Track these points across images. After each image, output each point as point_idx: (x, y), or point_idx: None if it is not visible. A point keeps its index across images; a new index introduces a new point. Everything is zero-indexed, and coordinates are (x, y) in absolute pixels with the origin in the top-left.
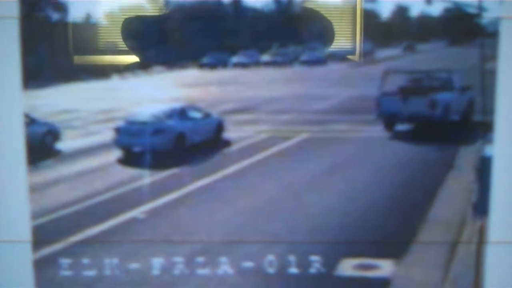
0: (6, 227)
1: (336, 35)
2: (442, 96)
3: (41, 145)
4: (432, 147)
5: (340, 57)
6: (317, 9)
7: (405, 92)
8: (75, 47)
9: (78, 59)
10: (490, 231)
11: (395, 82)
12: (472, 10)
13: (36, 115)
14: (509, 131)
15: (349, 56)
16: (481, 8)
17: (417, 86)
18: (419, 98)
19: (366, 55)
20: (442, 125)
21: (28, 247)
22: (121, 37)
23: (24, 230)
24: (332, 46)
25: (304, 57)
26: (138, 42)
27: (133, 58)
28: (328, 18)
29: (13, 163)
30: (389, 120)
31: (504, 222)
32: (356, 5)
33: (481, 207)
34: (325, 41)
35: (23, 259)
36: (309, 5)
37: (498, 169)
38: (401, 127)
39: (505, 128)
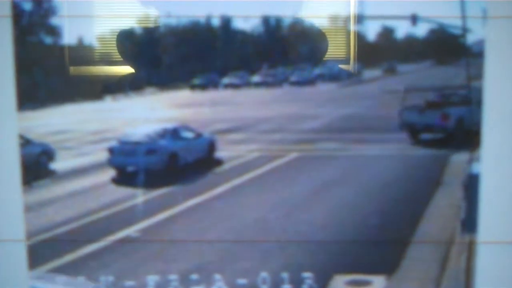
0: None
1: (329, 50)
2: (455, 110)
3: (36, 165)
4: (420, 163)
5: (329, 77)
6: (307, 30)
7: (422, 107)
8: (71, 58)
9: (74, 70)
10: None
11: (414, 99)
12: (457, 31)
13: (31, 136)
14: (496, 149)
15: (343, 66)
16: (465, 29)
17: (433, 101)
18: (434, 111)
19: (354, 76)
20: (454, 136)
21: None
22: (116, 51)
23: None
24: (327, 58)
25: (293, 77)
26: (131, 64)
27: (127, 69)
28: (321, 37)
29: (8, 183)
30: (409, 130)
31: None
32: (347, 24)
33: (469, 224)
34: (314, 62)
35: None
36: (297, 27)
37: (486, 187)
38: (389, 145)
39: (492, 145)
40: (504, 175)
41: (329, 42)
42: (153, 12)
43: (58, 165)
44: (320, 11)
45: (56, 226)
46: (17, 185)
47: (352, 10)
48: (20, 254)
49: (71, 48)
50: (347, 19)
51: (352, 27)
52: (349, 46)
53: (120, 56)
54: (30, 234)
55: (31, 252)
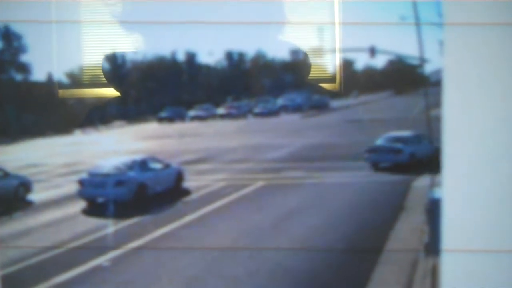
0: None
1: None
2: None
3: (14, 196)
4: (383, 190)
5: (292, 108)
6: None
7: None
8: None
9: (63, 93)
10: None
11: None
12: (415, 62)
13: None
14: (456, 174)
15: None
16: (423, 59)
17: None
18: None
19: (320, 107)
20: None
21: None
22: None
23: None
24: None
25: (257, 109)
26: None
27: (113, 92)
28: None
29: None
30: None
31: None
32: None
33: (433, 247)
34: (276, 93)
35: None
36: (260, 60)
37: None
38: (352, 172)
39: (452, 170)
40: (464, 199)
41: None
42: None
43: (33, 197)
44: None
45: (30, 256)
46: None
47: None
48: None
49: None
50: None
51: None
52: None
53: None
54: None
55: (5, 281)
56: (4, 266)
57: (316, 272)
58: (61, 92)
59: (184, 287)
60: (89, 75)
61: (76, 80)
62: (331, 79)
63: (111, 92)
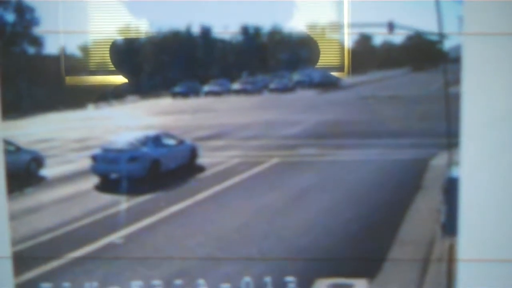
0: None
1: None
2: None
3: (26, 172)
4: (400, 168)
5: (308, 84)
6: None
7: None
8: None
9: (70, 80)
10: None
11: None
12: (433, 38)
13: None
14: (474, 153)
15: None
16: (442, 36)
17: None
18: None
19: (333, 83)
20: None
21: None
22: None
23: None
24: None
25: (273, 85)
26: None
27: (121, 79)
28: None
29: None
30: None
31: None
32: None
33: (449, 227)
34: (292, 68)
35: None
36: (277, 34)
37: (465, 190)
38: (368, 150)
39: (470, 149)
40: (483, 178)
41: (318, 49)
42: (133, 22)
43: (45, 172)
44: (304, 19)
45: (42, 233)
46: (2, 199)
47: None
48: (6, 271)
49: (66, 58)
50: (333, 27)
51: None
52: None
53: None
54: (16, 241)
55: (17, 259)
56: (16, 243)
57: (331, 252)
58: (68, 79)
59: (198, 265)
60: (98, 57)
61: (84, 63)
62: (339, 67)
63: (119, 79)
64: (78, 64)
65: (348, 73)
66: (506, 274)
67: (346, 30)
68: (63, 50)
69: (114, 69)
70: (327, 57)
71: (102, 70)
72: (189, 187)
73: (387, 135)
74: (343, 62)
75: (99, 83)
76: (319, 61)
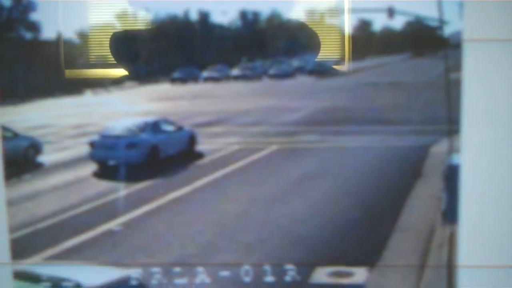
0: None
1: (322, 46)
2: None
3: (24, 158)
4: (400, 155)
5: (308, 70)
6: (285, 23)
7: None
8: (66, 61)
9: (69, 73)
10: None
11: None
12: (434, 23)
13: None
14: (475, 139)
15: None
16: (442, 21)
17: None
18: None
19: (332, 69)
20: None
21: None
22: (108, 51)
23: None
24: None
25: (272, 70)
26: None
27: (121, 72)
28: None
29: None
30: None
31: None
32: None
33: (450, 214)
34: (291, 54)
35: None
36: (275, 20)
37: (466, 178)
38: (368, 136)
39: (471, 135)
40: (483, 165)
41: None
42: (131, 7)
43: (42, 158)
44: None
45: (39, 220)
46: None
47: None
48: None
49: (66, 49)
50: (333, 13)
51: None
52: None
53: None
54: (15, 228)
55: (16, 244)
56: (14, 230)
57: (330, 239)
58: (68, 73)
59: (197, 252)
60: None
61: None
62: (339, 61)
63: (119, 72)
64: (77, 55)
65: (348, 62)
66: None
67: (346, 17)
68: (62, 42)
69: (113, 59)
70: (327, 47)
71: (101, 62)
72: (188, 174)
73: (387, 122)
74: (343, 52)
75: (99, 76)
76: (319, 51)
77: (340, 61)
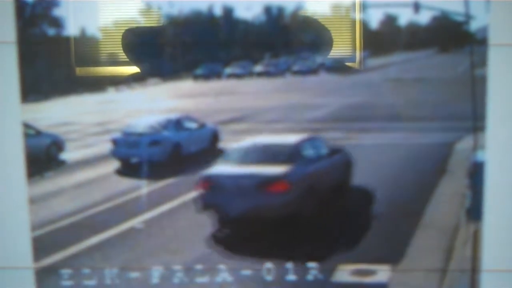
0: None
1: (334, 43)
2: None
3: (46, 155)
4: (425, 152)
5: (332, 66)
6: (309, 18)
7: None
8: (77, 59)
9: (80, 71)
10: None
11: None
12: (460, 18)
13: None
14: (500, 136)
15: (349, 64)
16: (468, 16)
17: None
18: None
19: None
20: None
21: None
22: (120, 49)
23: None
24: (331, 54)
25: (296, 67)
26: (134, 55)
27: (133, 69)
28: (324, 27)
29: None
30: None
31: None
32: (352, 13)
33: (474, 212)
34: (316, 50)
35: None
36: (299, 16)
37: (490, 175)
38: (393, 133)
39: (496, 133)
40: (508, 163)
41: (333, 31)
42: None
43: (65, 156)
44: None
45: (62, 218)
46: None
47: None
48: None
49: (77, 46)
50: (351, 8)
51: (358, 16)
52: (355, 35)
53: (124, 49)
54: (38, 225)
55: (37, 243)
56: (35, 228)
57: (353, 236)
58: (79, 71)
59: (218, 250)
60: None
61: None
62: (351, 58)
63: (132, 69)
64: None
65: (360, 59)
66: None
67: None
68: (73, 41)
69: (132, 57)
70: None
71: (114, 59)
72: None
73: (412, 119)
74: (355, 48)
75: (110, 74)
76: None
77: (353, 57)
